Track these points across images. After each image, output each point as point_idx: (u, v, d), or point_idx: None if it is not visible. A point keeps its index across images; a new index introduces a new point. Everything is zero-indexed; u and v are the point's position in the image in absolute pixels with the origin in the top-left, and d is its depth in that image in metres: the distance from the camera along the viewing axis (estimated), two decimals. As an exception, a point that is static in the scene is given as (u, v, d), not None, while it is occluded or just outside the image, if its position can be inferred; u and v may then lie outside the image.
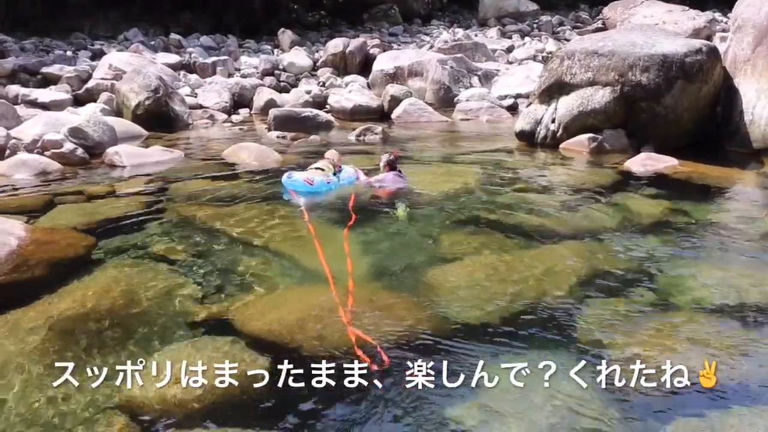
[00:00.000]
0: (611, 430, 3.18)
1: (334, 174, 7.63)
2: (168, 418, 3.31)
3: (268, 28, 23.76)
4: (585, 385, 3.55)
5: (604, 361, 3.80)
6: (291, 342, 4.01)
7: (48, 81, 15.65)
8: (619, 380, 3.60)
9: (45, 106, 13.42)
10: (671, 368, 3.66)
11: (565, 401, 3.39)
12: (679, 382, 3.55)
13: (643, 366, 3.69)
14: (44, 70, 16.00)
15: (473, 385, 3.59)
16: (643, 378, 3.59)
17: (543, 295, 4.68)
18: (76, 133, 9.72)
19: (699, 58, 9.77)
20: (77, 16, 22.15)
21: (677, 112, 9.82)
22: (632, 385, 3.55)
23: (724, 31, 19.25)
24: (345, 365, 3.78)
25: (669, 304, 4.55)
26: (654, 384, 3.55)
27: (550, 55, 15.01)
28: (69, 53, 18.44)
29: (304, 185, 7.31)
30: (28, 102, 13.74)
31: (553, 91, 10.54)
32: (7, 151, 9.29)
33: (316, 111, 13.55)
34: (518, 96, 15.45)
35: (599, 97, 9.91)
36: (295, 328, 4.14)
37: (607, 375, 3.65)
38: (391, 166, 7.67)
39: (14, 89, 14.26)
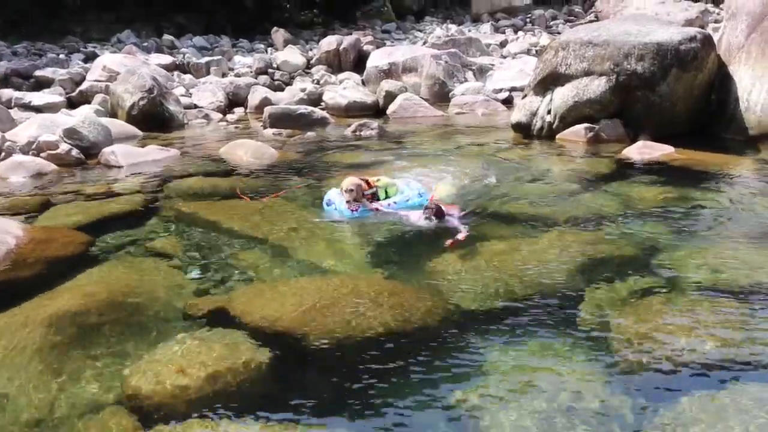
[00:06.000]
0: (616, 412, 3.16)
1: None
2: (170, 410, 3.29)
3: (261, 27, 23.72)
4: (590, 368, 3.55)
5: (608, 343, 3.81)
6: (292, 332, 3.99)
7: (41, 84, 15.59)
8: (624, 362, 3.60)
9: (39, 109, 13.34)
10: (675, 348, 3.67)
11: (570, 384, 3.38)
12: (683, 361, 3.55)
13: (647, 347, 3.70)
14: (37, 73, 15.94)
15: (478, 369, 3.59)
16: (648, 359, 3.60)
17: (545, 281, 4.66)
18: (71, 134, 9.69)
19: (693, 46, 9.74)
20: (69, 20, 22.09)
21: (672, 100, 9.80)
22: (637, 366, 3.55)
23: (716, 21, 19.27)
24: (346, 352, 3.80)
25: (670, 286, 4.53)
26: (659, 365, 3.55)
27: (543, 48, 15.01)
28: (62, 56, 18.41)
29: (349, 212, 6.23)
30: (21, 105, 13.66)
31: (548, 82, 10.52)
32: (2, 154, 9.24)
33: (311, 108, 13.50)
34: (513, 89, 15.42)
35: (595, 86, 9.89)
36: (295, 318, 4.12)
37: (611, 357, 3.66)
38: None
39: (7, 93, 14.18)
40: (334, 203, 6.35)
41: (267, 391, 3.51)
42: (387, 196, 6.50)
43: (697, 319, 3.99)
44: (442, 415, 3.21)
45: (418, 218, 5.97)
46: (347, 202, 6.16)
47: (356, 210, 6.19)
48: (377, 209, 6.28)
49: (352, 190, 6.17)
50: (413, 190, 6.61)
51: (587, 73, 9.99)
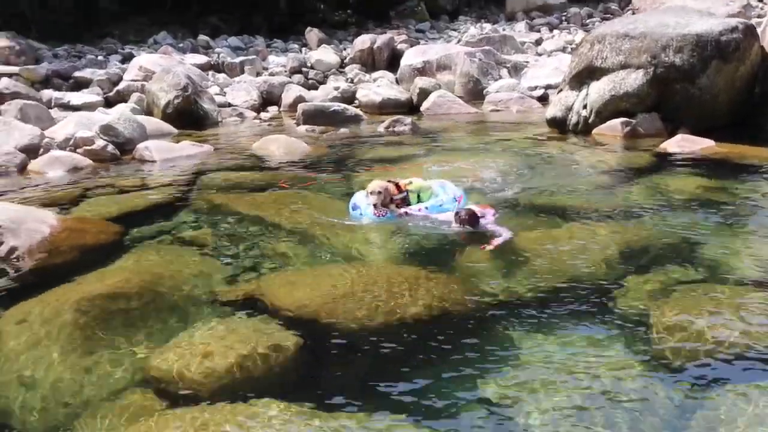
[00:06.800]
0: (653, 403, 3.06)
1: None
2: (196, 392, 3.27)
3: (295, 28, 23.84)
4: (626, 358, 3.45)
5: (645, 334, 3.69)
6: (320, 318, 3.96)
7: (80, 84, 15.85)
8: (661, 352, 3.48)
9: (77, 108, 13.55)
10: (712, 340, 3.53)
11: (606, 374, 3.28)
12: (721, 353, 3.42)
13: (685, 338, 3.57)
14: (76, 74, 16.20)
15: (511, 358, 3.50)
16: (686, 350, 3.47)
17: (582, 271, 4.56)
18: (107, 130, 9.81)
19: (735, 36, 9.47)
20: (108, 23, 22.50)
21: (713, 92, 9.54)
22: (674, 357, 3.43)
23: (759, 17, 18.79)
24: (374, 339, 3.74)
25: (708, 279, 4.40)
26: (697, 355, 3.43)
27: (579, 42, 14.78)
28: (100, 57, 18.70)
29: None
30: (61, 105, 13.92)
31: (584, 76, 10.35)
32: (41, 150, 9.41)
33: (344, 105, 13.51)
34: (548, 87, 15.22)
35: (632, 80, 9.69)
36: (324, 305, 4.08)
37: (648, 347, 3.55)
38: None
39: (48, 93, 14.45)
40: (360, 207, 5.90)
41: (294, 376, 3.48)
42: (420, 201, 5.96)
43: (734, 312, 3.83)
44: (472, 402, 3.13)
45: (448, 220, 5.54)
46: (373, 206, 5.74)
47: (383, 215, 5.74)
48: (405, 213, 5.81)
49: (379, 193, 5.69)
50: (448, 194, 6.06)
51: (624, 66, 9.79)
